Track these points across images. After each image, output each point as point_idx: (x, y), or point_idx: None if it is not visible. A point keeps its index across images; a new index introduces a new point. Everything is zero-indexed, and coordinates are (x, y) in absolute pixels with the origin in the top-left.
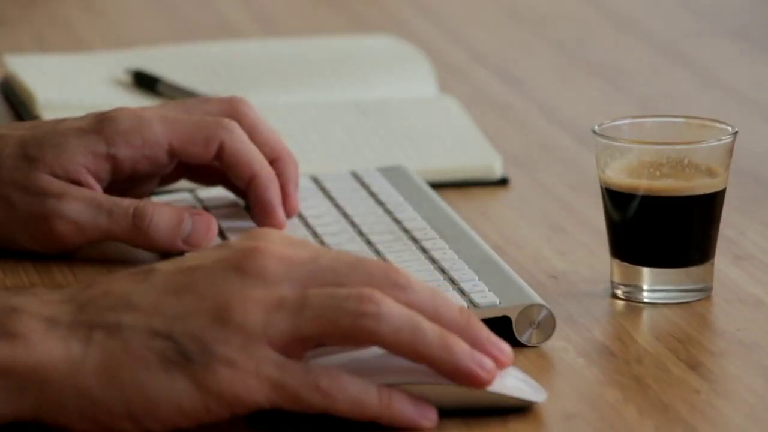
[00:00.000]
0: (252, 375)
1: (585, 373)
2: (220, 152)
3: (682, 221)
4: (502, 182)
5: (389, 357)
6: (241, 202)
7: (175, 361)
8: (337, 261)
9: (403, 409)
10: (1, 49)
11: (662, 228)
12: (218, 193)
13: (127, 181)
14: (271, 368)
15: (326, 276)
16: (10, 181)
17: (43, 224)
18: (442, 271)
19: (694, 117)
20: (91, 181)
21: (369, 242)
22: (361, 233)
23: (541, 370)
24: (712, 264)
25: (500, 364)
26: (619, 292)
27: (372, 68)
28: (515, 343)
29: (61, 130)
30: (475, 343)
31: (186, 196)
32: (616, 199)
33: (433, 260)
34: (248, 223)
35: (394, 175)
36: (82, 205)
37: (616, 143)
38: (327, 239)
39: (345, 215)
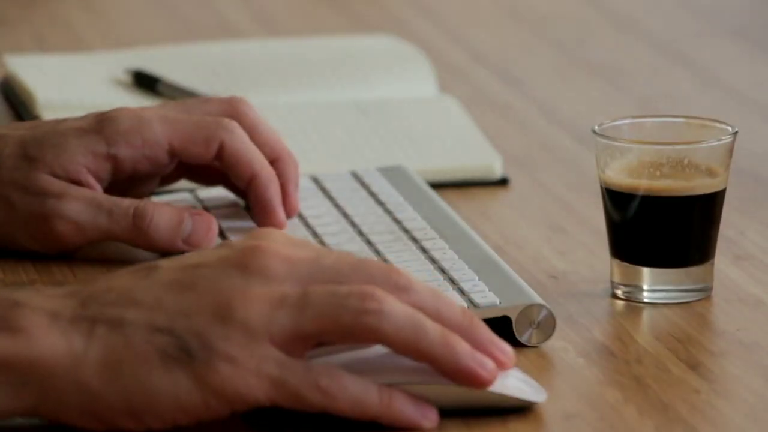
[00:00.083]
0: (253, 372)
1: (585, 373)
2: (221, 152)
3: (682, 221)
4: (502, 182)
5: (390, 357)
6: (241, 202)
7: (176, 357)
8: (339, 261)
9: (404, 408)
10: (1, 49)
11: (662, 228)
12: (218, 193)
13: (128, 181)
14: (271, 366)
15: (328, 276)
16: (10, 181)
17: (43, 224)
18: (442, 271)
19: (694, 117)
20: (92, 181)
21: (369, 242)
22: (361, 233)
23: (541, 370)
24: (712, 264)
25: (502, 366)
26: (619, 292)
27: (372, 68)
28: (515, 343)
29: (61, 130)
30: (477, 345)
31: (186, 196)
32: (616, 199)
33: (433, 260)
34: (248, 223)
35: (394, 175)
36: (82, 205)
37: (616, 143)
38: (327, 239)
39: (345, 215)
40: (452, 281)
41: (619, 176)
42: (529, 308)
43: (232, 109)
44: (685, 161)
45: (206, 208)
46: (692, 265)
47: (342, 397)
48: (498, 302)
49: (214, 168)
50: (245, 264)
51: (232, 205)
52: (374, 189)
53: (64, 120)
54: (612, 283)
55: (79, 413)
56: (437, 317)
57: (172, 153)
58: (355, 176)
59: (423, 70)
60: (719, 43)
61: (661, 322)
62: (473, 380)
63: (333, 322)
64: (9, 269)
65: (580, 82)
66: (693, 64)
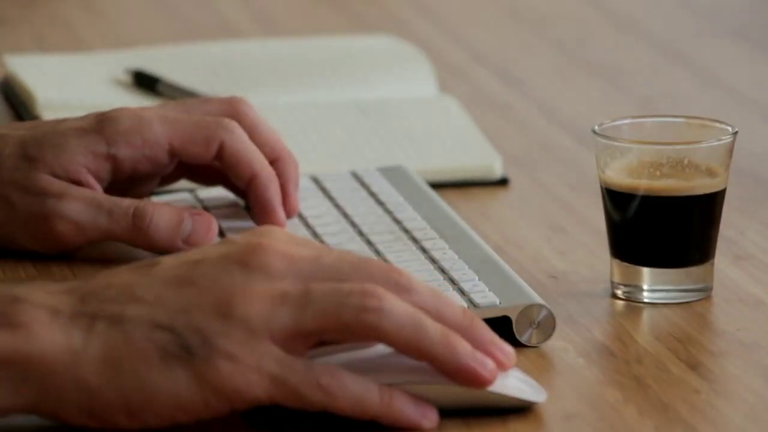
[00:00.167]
0: (253, 370)
1: (585, 373)
2: (221, 152)
3: (682, 221)
4: (502, 182)
5: (391, 356)
6: (241, 202)
7: (176, 354)
8: (340, 260)
9: (404, 408)
10: (1, 49)
11: (662, 228)
12: (218, 193)
13: (127, 181)
14: (272, 363)
15: (329, 274)
16: (10, 181)
17: (43, 224)
18: (442, 271)
19: (694, 117)
20: (92, 181)
21: (369, 242)
22: (361, 233)
23: (541, 370)
24: (712, 264)
25: (503, 366)
26: (619, 292)
27: (372, 68)
28: (515, 343)
29: (61, 130)
30: (478, 344)
31: (186, 196)
32: (616, 199)
33: (433, 260)
34: (248, 223)
35: (394, 175)
36: (82, 205)
37: (616, 143)
38: (327, 239)
39: (345, 215)
40: (452, 281)
41: (619, 176)
42: (529, 308)
43: (232, 109)
44: (685, 161)
45: (206, 208)
46: (692, 265)
47: (342, 396)
48: (498, 302)
49: (214, 168)
50: (246, 261)
51: (232, 205)
52: (374, 189)
53: (64, 120)
54: (612, 283)
55: (77, 410)
56: (438, 317)
57: (172, 153)
58: (355, 176)
59: (423, 70)
60: (719, 43)
61: (661, 322)
62: (474, 380)
63: (334, 319)
64: (9, 269)
65: (580, 82)
66: (693, 64)
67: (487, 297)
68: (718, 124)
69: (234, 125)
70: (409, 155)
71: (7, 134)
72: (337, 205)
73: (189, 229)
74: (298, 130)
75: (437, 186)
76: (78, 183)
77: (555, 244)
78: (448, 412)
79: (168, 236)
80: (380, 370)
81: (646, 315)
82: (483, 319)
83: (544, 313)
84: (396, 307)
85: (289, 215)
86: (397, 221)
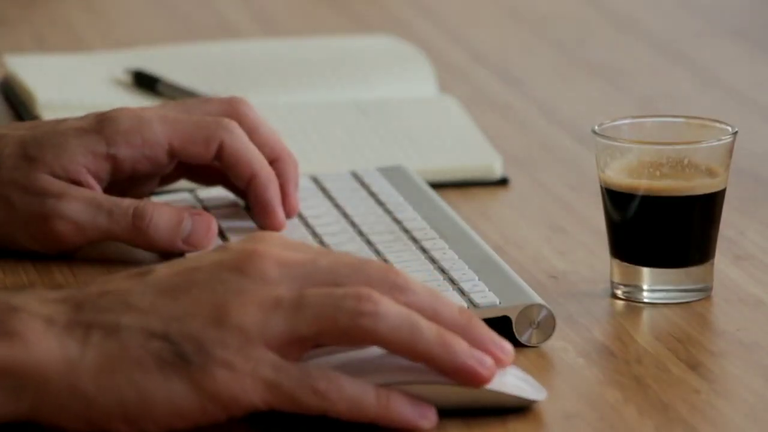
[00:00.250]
0: (248, 376)
1: (585, 373)
2: (220, 152)
3: (682, 221)
4: (502, 182)
5: (387, 356)
6: (241, 202)
7: (171, 362)
8: (336, 263)
9: (402, 409)
10: (1, 49)
11: (662, 228)
12: (218, 193)
13: (127, 181)
14: (267, 369)
15: (325, 277)
16: (10, 181)
17: (43, 224)
18: (442, 271)
19: (694, 117)
20: (91, 181)
21: (369, 242)
22: (361, 233)
23: (541, 370)
24: (712, 264)
25: (501, 363)
26: (619, 292)
27: (372, 68)
28: (515, 343)
29: (61, 130)
30: (476, 342)
31: (186, 196)
32: (616, 199)
33: (433, 260)
34: (248, 223)
35: (394, 175)
36: (82, 205)
37: (616, 143)
38: (327, 239)
39: (345, 215)
40: (452, 281)
41: (619, 176)
42: (529, 308)
43: (232, 109)
44: (685, 161)
45: (206, 208)
46: (692, 265)
47: (339, 400)
48: (498, 302)
49: (214, 168)
50: (241, 268)
51: (232, 205)
52: (374, 189)
53: (64, 120)
54: (612, 283)
55: (74, 419)
56: (435, 317)
57: (172, 153)
58: (355, 176)
59: (423, 70)
60: (719, 43)
61: (661, 322)
62: (472, 378)
63: (329, 324)
64: (9, 269)
65: (580, 82)
66: (693, 64)
67: (487, 297)
68: (718, 124)
69: (234, 125)
70: (409, 155)
71: (7, 134)
72: (337, 205)
73: (189, 229)
74: (298, 130)
75: (437, 186)
76: (78, 183)
77: (555, 244)
78: (447, 412)
79: (168, 236)
80: (377, 370)
81: (646, 315)
82: (483, 320)
83: (544, 313)
84: (391, 310)
85: (288, 215)
86: (397, 221)
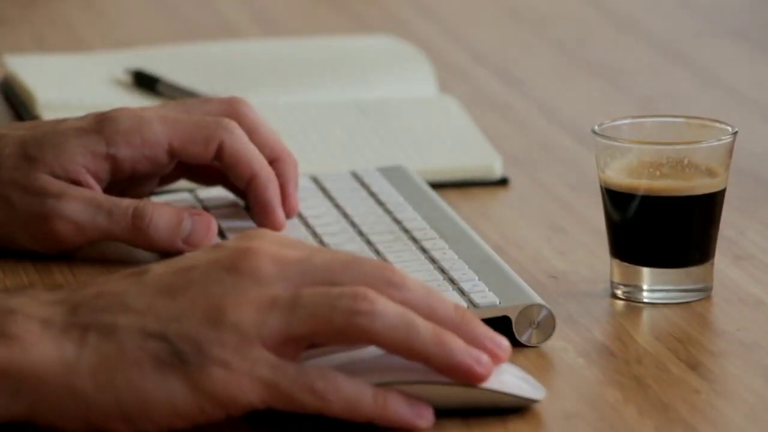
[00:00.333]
0: (246, 376)
1: (585, 373)
2: (220, 152)
3: (682, 221)
4: (502, 182)
5: (384, 356)
6: (241, 202)
7: (169, 362)
8: (332, 260)
9: (399, 409)
10: (1, 49)
11: (662, 228)
12: (218, 193)
13: (127, 181)
14: (264, 369)
15: (320, 275)
16: (10, 181)
17: (43, 224)
18: (442, 271)
19: (694, 117)
20: (91, 181)
21: (369, 242)
22: (361, 233)
23: (541, 370)
24: (712, 264)
25: (497, 359)
26: (619, 292)
27: (372, 68)
28: (515, 343)
29: (61, 130)
30: (472, 340)
31: (186, 196)
32: (616, 199)
33: (433, 260)
34: (248, 223)
35: (394, 175)
36: (82, 205)
37: (616, 143)
38: (327, 239)
39: (345, 215)
40: (452, 281)
41: (619, 176)
42: (529, 308)
43: (232, 109)
44: (685, 161)
45: (206, 208)
46: (692, 265)
47: (336, 399)
48: (498, 302)
49: (214, 168)
50: (236, 267)
51: (232, 205)
52: (374, 189)
53: (64, 120)
54: (612, 283)
55: (73, 420)
56: (430, 314)
57: (172, 153)
58: (355, 176)
59: (423, 70)
60: (719, 43)
61: (661, 322)
62: (469, 376)
63: (325, 323)
64: (9, 269)
65: (580, 82)
66: (693, 64)
67: (486, 297)
68: (718, 124)
69: (234, 125)
70: (409, 155)
71: (7, 134)
72: (337, 205)
73: (189, 229)
74: (298, 130)
75: (437, 186)
76: (77, 183)
77: (555, 244)
78: (447, 412)
79: (168, 236)
80: (374, 370)
81: (646, 315)
82: (483, 320)
83: (543, 313)
84: (387, 310)
85: (288, 215)
86: (397, 221)
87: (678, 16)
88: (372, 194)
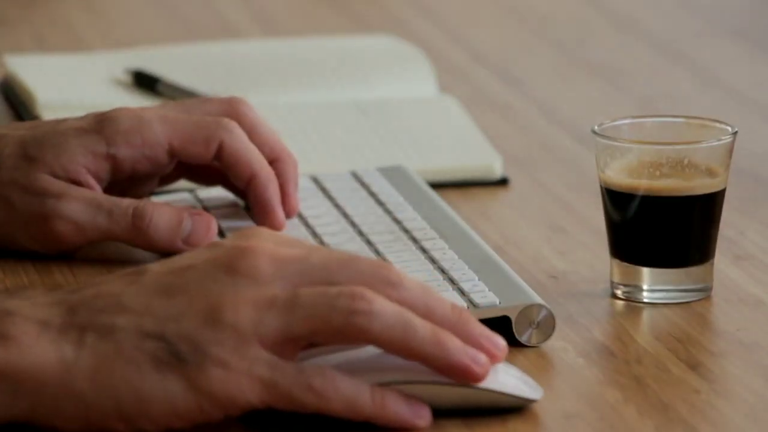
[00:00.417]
0: (244, 375)
1: (585, 373)
2: (220, 152)
3: (682, 221)
4: (502, 182)
5: (382, 356)
6: (241, 202)
7: (167, 361)
8: (329, 259)
9: (397, 408)
10: (1, 49)
11: (662, 228)
12: (218, 193)
13: (127, 181)
14: (263, 368)
15: (317, 274)
16: (10, 181)
17: (43, 224)
18: (442, 271)
19: (694, 117)
20: (91, 181)
21: (369, 242)
22: (361, 233)
23: (541, 370)
24: (712, 264)
25: (494, 359)
26: (619, 292)
27: (372, 68)
28: (515, 343)
29: (61, 130)
30: (469, 339)
31: (186, 196)
32: (616, 199)
33: (433, 260)
34: (248, 223)
35: (394, 175)
36: (82, 205)
37: (616, 143)
38: (327, 239)
39: (345, 215)
40: (452, 281)
41: (619, 176)
42: (529, 308)
43: (232, 109)
44: (685, 161)
45: (206, 208)
46: (692, 265)
47: (335, 398)
48: (498, 302)
49: (214, 168)
50: (233, 266)
51: (232, 205)
52: (374, 189)
53: (64, 120)
54: (612, 283)
55: (72, 420)
56: (428, 313)
57: (172, 153)
58: (355, 176)
59: (423, 70)
60: (719, 43)
61: (661, 322)
62: (466, 375)
63: (323, 323)
64: (9, 269)
65: (580, 82)
66: (693, 64)
67: (486, 297)
68: (718, 124)
69: (233, 125)
70: (409, 155)
71: (7, 134)
72: (337, 205)
73: (189, 229)
74: (298, 130)
75: (437, 186)
76: (78, 183)
77: (555, 244)
78: (447, 412)
79: (168, 236)
80: (373, 370)
81: (646, 315)
82: (483, 320)
83: (543, 313)
84: (385, 309)
85: (288, 215)
86: (397, 221)
87: (678, 16)
88: (372, 194)
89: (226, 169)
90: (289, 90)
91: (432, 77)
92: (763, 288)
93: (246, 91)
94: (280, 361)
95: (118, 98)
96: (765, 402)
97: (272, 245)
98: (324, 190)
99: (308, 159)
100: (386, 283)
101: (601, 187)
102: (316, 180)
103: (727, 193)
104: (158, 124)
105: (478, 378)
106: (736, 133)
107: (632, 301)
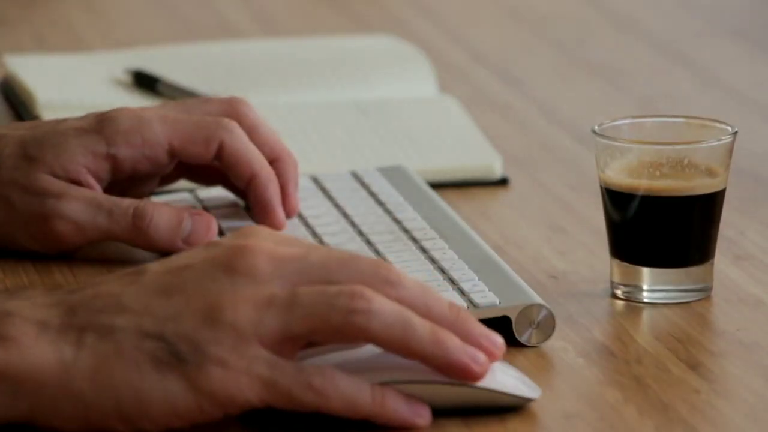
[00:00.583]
0: (244, 374)
1: (585, 373)
2: (220, 152)
3: (682, 221)
4: (502, 182)
5: (382, 355)
6: (241, 202)
7: (167, 361)
8: (327, 258)
9: (397, 407)
10: (1, 49)
11: (662, 228)
12: (218, 193)
13: (127, 181)
14: (262, 367)
15: (316, 273)
16: (10, 181)
17: (43, 224)
18: (442, 271)
19: (694, 117)
20: (91, 181)
21: (369, 242)
22: (361, 233)
23: (541, 370)
24: (712, 264)
25: (493, 357)
26: (619, 292)
27: (372, 68)
28: (515, 343)
29: (61, 130)
30: (467, 337)
31: (186, 196)
32: (616, 199)
33: (433, 260)
34: (248, 223)
35: (394, 175)
36: (82, 205)
37: (616, 143)
38: (327, 239)
39: (345, 215)
40: (452, 281)
41: (619, 176)
42: (529, 308)
43: (232, 109)
44: (685, 161)
45: (206, 208)
46: (692, 265)
47: (334, 397)
48: (498, 302)
49: (214, 168)
50: (232, 265)
51: (232, 205)
52: (374, 189)
53: (64, 120)
54: (612, 283)
55: (71, 421)
56: (426, 312)
57: (172, 153)
58: (355, 176)
59: (423, 70)
60: (719, 43)
61: (661, 322)
62: (465, 374)
63: (322, 321)
64: (9, 269)
65: (580, 82)
66: (693, 64)
67: (486, 297)
68: (718, 124)
69: (234, 125)
70: (409, 155)
71: (7, 134)
72: (337, 205)
73: (189, 229)
74: (298, 130)
75: (437, 186)
76: (78, 183)
77: (555, 244)
78: (447, 412)
79: (168, 236)
80: (372, 369)
81: (646, 315)
82: (483, 320)
83: (543, 313)
84: (384, 308)
85: (288, 215)
86: (397, 221)
87: (678, 16)
88: (372, 194)
89: (227, 169)
90: (289, 90)
91: (432, 77)
92: (763, 288)
93: (246, 91)
94: (280, 360)
95: (118, 98)
96: (765, 402)
97: (271, 244)
98: (324, 190)
99: (308, 159)
100: (385, 282)
101: (601, 187)
102: (316, 180)
103: (727, 193)
104: (158, 124)
105: (478, 377)
106: (736, 133)
107: (632, 301)
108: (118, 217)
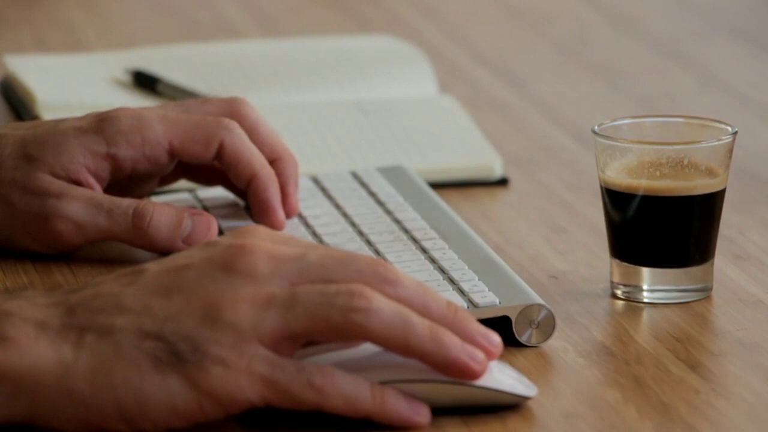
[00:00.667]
0: (244, 373)
1: (585, 373)
2: (221, 152)
3: (682, 221)
4: (502, 182)
5: (381, 354)
6: (241, 202)
7: (167, 361)
8: (326, 257)
9: (397, 405)
10: (1, 49)
11: (662, 228)
12: (218, 193)
13: (127, 181)
14: (262, 366)
15: (315, 272)
16: (10, 181)
17: (43, 224)
18: (442, 271)
19: (694, 117)
20: (91, 180)
21: (369, 242)
22: (361, 233)
23: (541, 370)
24: (712, 264)
25: (490, 356)
26: (619, 292)
27: (372, 68)
28: (515, 343)
29: (61, 130)
30: (465, 336)
31: (186, 196)
32: (616, 199)
33: (433, 260)
34: (248, 223)
35: (394, 175)
36: (82, 205)
37: (616, 143)
38: (327, 239)
39: (345, 215)
40: (452, 281)
41: (619, 176)
42: (529, 308)
43: (232, 109)
44: (685, 161)
45: (206, 208)
46: (692, 265)
47: (334, 395)
48: (498, 302)
49: (214, 168)
50: (231, 264)
51: (232, 205)
52: (374, 189)
53: (64, 120)
54: (612, 283)
55: (71, 421)
56: (424, 310)
57: (172, 153)
58: (355, 176)
59: (423, 70)
60: (719, 43)
61: (661, 322)
62: (464, 373)
63: (321, 320)
64: (9, 269)
65: (580, 82)
66: (693, 64)
67: (486, 297)
68: (718, 124)
69: (234, 125)
70: (409, 155)
71: (7, 134)
72: (337, 205)
73: (189, 229)
74: (298, 130)
75: (437, 186)
76: (78, 183)
77: (555, 244)
78: (446, 412)
79: (168, 236)
80: (371, 368)
81: (646, 315)
82: (483, 320)
83: (543, 313)
84: (383, 306)
85: (288, 215)
86: (397, 221)
87: (678, 16)
88: (372, 194)
89: (227, 169)
90: (289, 90)
91: (432, 77)
92: (763, 288)
93: (246, 91)
94: (280, 359)
95: (118, 98)
96: (765, 402)
97: (269, 243)
98: (324, 190)
99: (308, 159)
100: (384, 280)
101: (601, 187)
102: (316, 180)
103: (727, 193)
104: (158, 124)
105: (476, 375)
106: (736, 133)
107: (632, 301)
108: (118, 217)
